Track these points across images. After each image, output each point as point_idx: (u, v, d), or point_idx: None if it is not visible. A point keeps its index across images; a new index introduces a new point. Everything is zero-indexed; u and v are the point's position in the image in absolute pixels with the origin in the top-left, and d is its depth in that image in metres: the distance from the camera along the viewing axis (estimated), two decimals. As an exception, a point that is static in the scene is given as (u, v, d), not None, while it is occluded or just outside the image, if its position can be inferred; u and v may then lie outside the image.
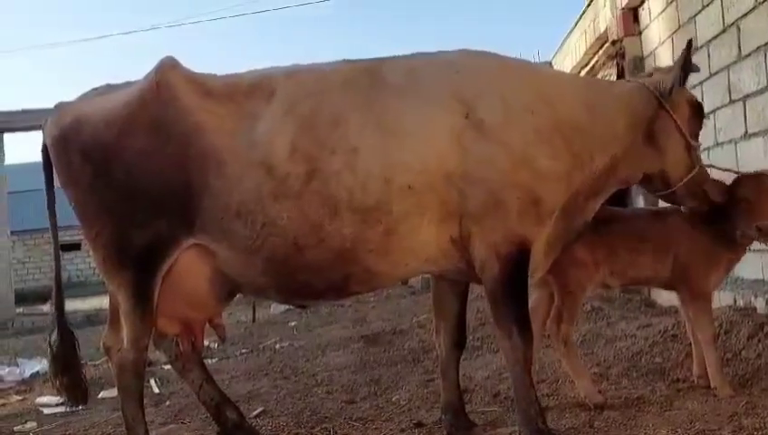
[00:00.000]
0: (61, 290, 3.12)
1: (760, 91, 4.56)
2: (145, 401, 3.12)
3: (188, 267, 2.82)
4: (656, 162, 3.04)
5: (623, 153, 2.96)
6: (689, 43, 3.01)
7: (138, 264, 2.78)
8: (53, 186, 3.01)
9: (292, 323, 7.66)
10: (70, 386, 3.06)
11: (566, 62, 10.45)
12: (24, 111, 12.35)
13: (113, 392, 4.17)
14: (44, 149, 2.95)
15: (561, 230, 2.95)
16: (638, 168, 3.06)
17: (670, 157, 3.02)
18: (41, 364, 5.62)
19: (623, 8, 7.06)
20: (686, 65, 2.99)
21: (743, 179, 3.18)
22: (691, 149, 3.01)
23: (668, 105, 2.99)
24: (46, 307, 13.38)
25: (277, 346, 6.23)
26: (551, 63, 11.80)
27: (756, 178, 3.20)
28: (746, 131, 4.80)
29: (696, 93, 5.52)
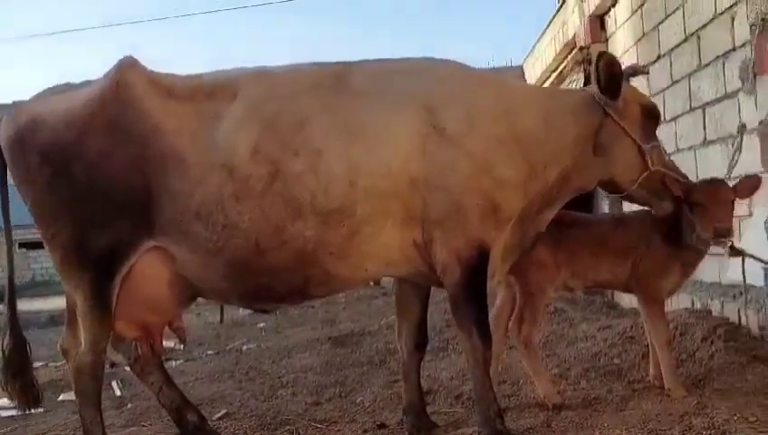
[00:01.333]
0: (13, 293, 3.07)
1: (718, 100, 4.67)
2: (106, 404, 3.11)
3: (147, 271, 2.80)
4: (607, 169, 3.08)
5: (573, 164, 3.02)
6: (599, 53, 3.09)
7: (96, 266, 2.76)
8: (6, 185, 2.97)
9: (261, 325, 7.62)
10: (21, 390, 3.02)
11: (536, 66, 10.58)
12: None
13: (73, 395, 4.11)
14: None
15: (516, 237, 3.02)
16: (591, 176, 3.12)
17: (621, 162, 3.05)
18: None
19: (590, 16, 7.19)
20: (607, 72, 2.99)
21: (698, 186, 3.25)
22: (643, 152, 3.05)
23: (614, 111, 3.01)
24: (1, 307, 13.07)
25: (244, 348, 6.20)
26: (522, 68, 11.96)
27: (710, 183, 3.29)
28: (705, 138, 4.91)
29: (659, 100, 5.65)
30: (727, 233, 3.14)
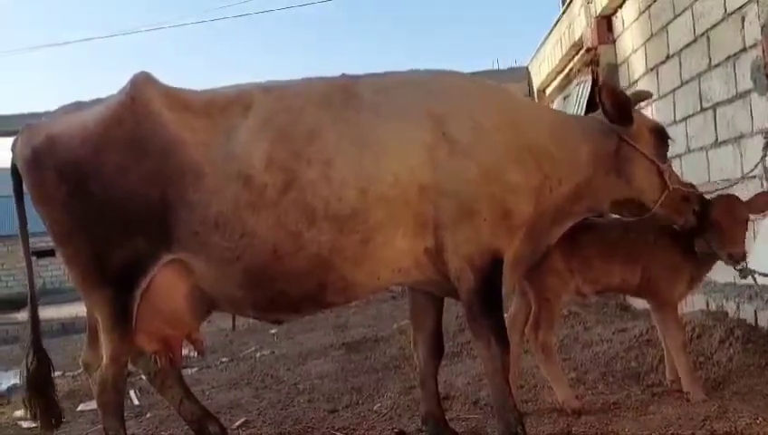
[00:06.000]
0: (36, 311, 3.09)
1: (729, 100, 4.67)
2: (125, 413, 3.11)
3: (166, 284, 2.81)
4: (624, 190, 3.13)
5: (586, 183, 3.07)
6: (599, 87, 3.15)
7: (116, 281, 2.77)
8: (24, 207, 2.99)
9: (273, 331, 7.62)
10: (44, 410, 3.03)
11: (542, 67, 10.58)
12: (2, 117, 12.19)
13: (92, 405, 4.14)
14: (14, 170, 2.91)
15: (526, 250, 3.06)
16: (605, 197, 3.17)
17: (640, 183, 3.11)
18: (17, 377, 5.52)
19: (597, 16, 7.19)
20: (612, 102, 3.05)
21: (715, 202, 3.26)
22: (662, 172, 3.10)
23: (629, 136, 3.08)
24: (20, 315, 13.15)
25: (258, 354, 6.21)
26: (527, 69, 11.95)
27: (727, 201, 3.28)
28: (717, 139, 4.92)
29: (669, 101, 5.67)
30: (741, 258, 3.20)
